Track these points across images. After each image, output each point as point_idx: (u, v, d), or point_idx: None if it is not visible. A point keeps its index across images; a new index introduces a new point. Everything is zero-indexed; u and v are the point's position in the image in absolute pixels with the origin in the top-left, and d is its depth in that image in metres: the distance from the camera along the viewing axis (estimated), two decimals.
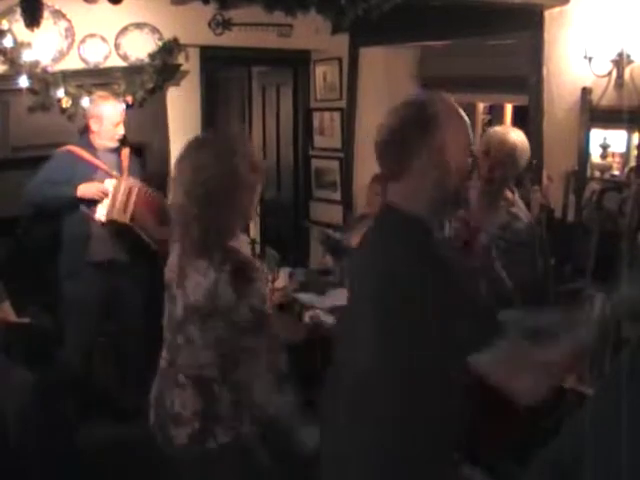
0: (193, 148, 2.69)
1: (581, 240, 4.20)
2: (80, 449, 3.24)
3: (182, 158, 2.69)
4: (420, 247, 2.04)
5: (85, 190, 4.72)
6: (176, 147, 4.68)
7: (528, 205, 4.46)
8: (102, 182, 4.79)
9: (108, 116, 4.83)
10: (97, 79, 5.40)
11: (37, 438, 3.24)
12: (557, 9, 4.64)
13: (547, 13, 4.71)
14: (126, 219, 4.78)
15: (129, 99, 5.42)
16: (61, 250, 4.89)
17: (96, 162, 4.84)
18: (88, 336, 4.94)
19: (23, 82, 5.07)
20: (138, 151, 5.35)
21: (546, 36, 4.74)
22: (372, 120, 6.16)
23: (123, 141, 4.99)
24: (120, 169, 4.95)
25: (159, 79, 5.60)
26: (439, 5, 4.43)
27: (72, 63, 5.37)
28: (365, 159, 6.16)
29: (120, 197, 4.75)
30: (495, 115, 7.94)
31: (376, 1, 3.86)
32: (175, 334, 2.73)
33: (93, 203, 4.78)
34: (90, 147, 4.87)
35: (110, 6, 4.73)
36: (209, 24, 5.75)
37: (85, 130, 4.95)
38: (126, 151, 5.04)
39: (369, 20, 4.03)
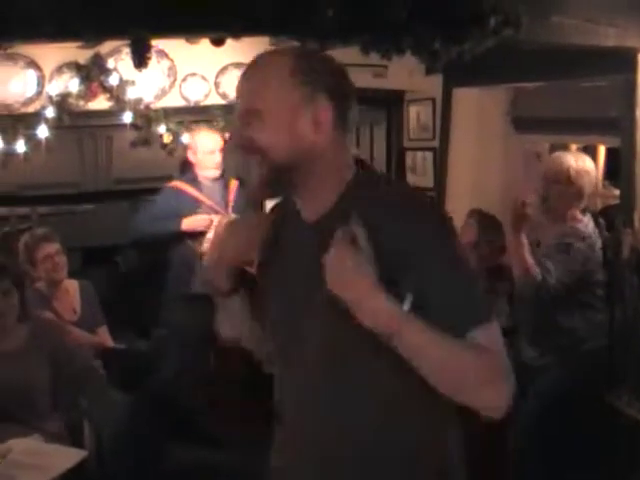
0: None
1: None
2: (169, 471, 3.34)
3: None
4: None
5: (190, 223, 4.87)
6: None
7: (619, 247, 4.43)
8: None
9: (202, 144, 4.99)
10: (197, 116, 5.62)
11: (129, 459, 3.35)
12: None
13: None
14: None
15: (227, 136, 5.58)
16: (166, 279, 5.03)
17: (200, 197, 4.99)
18: (185, 363, 5.04)
19: (127, 118, 5.32)
20: None
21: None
22: (464, 160, 6.21)
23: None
24: (225, 203, 5.07)
25: None
26: (533, 47, 4.46)
27: (173, 100, 5.60)
28: (457, 198, 6.19)
29: (216, 234, 4.87)
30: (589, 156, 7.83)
31: (469, 45, 3.91)
32: None
33: (199, 235, 4.92)
34: (194, 182, 5.03)
35: (211, 46, 4.91)
36: None
37: (187, 165, 5.12)
38: (234, 184, 5.15)
39: (463, 61, 4.09)
